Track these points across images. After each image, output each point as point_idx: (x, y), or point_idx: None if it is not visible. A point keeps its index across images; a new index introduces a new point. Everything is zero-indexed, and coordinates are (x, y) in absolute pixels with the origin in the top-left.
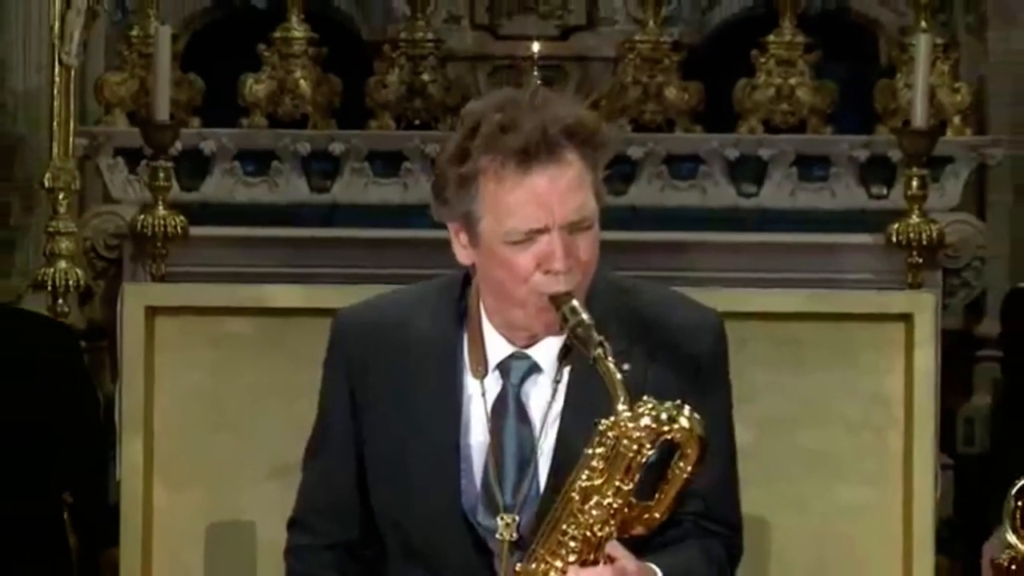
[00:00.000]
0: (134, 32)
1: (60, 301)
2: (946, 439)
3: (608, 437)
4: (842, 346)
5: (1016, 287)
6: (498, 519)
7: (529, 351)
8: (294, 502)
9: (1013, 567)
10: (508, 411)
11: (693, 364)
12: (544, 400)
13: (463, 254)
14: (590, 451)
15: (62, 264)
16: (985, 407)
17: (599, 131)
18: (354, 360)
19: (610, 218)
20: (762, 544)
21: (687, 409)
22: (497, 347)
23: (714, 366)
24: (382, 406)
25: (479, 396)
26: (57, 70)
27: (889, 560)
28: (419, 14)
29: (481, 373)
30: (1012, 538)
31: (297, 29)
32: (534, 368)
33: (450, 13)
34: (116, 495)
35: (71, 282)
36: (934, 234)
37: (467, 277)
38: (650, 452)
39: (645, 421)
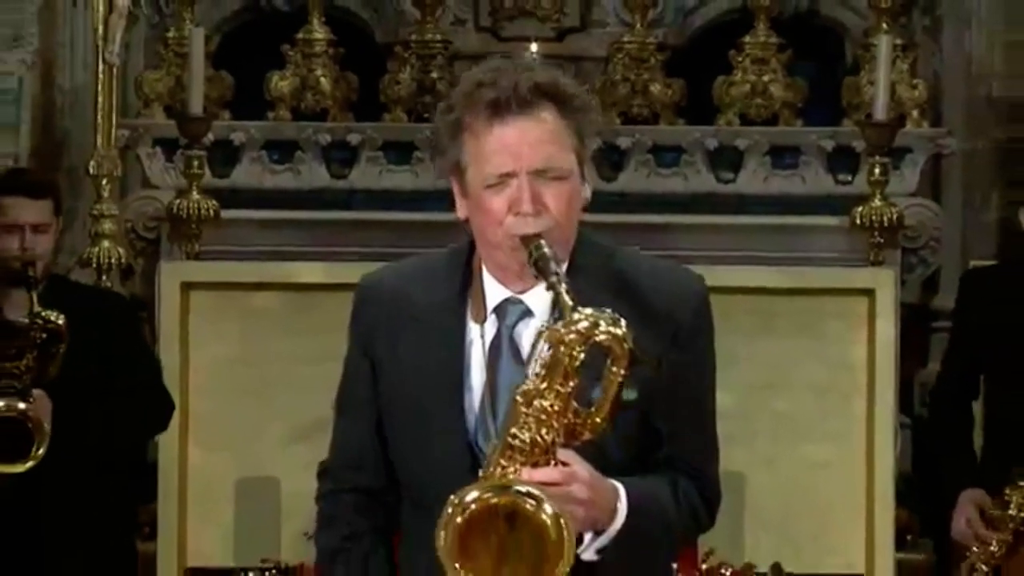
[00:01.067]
0: (170, 34)
1: (104, 277)
2: (904, 402)
3: (546, 343)
4: (810, 318)
5: (971, 268)
6: (490, 448)
7: (523, 297)
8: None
9: None
10: (503, 350)
11: (676, 323)
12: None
13: (460, 207)
14: (533, 359)
15: (106, 244)
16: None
17: (576, 95)
18: (373, 321)
19: (600, 202)
20: (737, 497)
21: (619, 319)
22: (495, 293)
23: (698, 326)
24: (397, 360)
25: (479, 339)
26: (101, 68)
27: (853, 511)
28: (428, 18)
29: (481, 318)
30: None
31: (318, 31)
32: (527, 312)
33: (456, 17)
34: (154, 454)
35: (114, 260)
36: (894, 217)
37: (473, 241)
38: (581, 355)
39: (578, 327)
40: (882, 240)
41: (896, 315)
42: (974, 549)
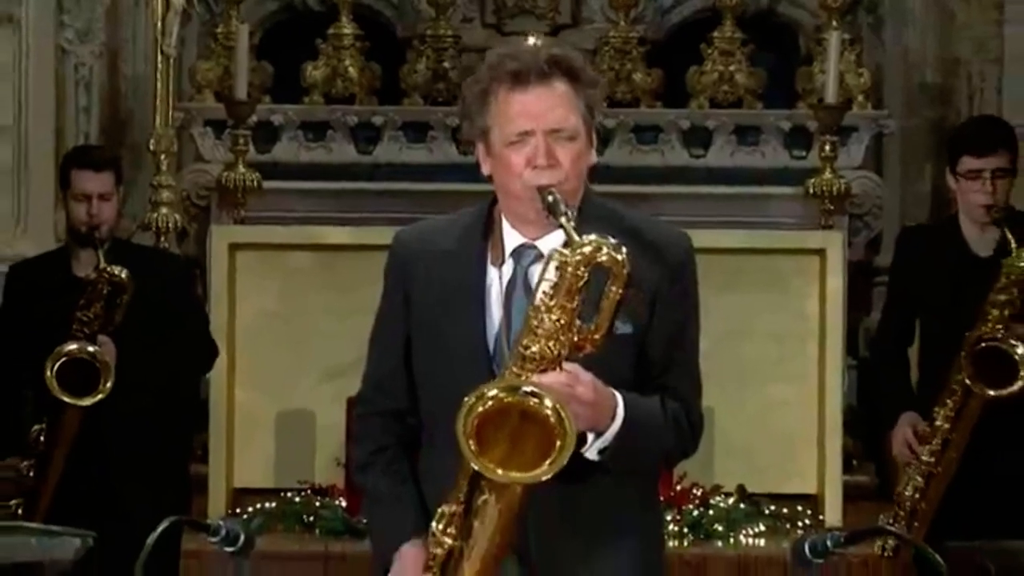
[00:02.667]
0: (219, 29)
1: (162, 239)
2: (851, 346)
3: (555, 266)
4: (770, 274)
5: (904, 227)
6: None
7: (537, 242)
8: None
9: None
10: (518, 288)
11: (669, 265)
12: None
13: (484, 165)
14: (543, 280)
15: (163, 210)
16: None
17: (585, 70)
18: (406, 263)
19: (589, 174)
20: (707, 429)
21: (620, 246)
22: (512, 239)
23: (686, 270)
24: (425, 299)
25: (497, 280)
26: (159, 59)
27: (806, 440)
28: (441, 16)
29: (499, 261)
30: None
31: (346, 27)
32: (539, 256)
33: (465, 15)
34: (206, 392)
35: (171, 224)
36: (842, 187)
37: (494, 198)
38: (586, 276)
39: (583, 251)
40: (832, 207)
41: (844, 272)
42: (911, 463)
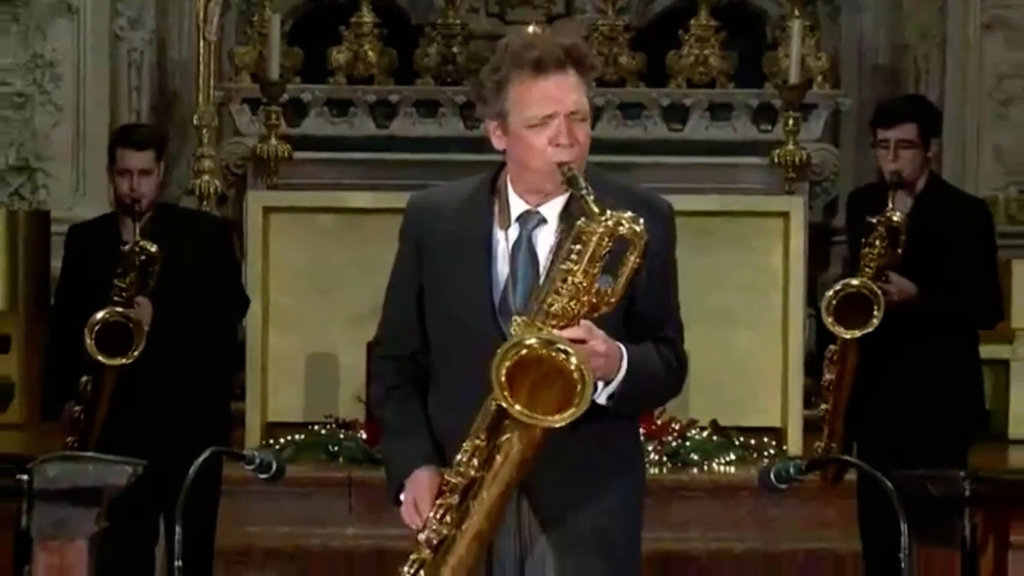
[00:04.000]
0: (255, 18)
1: (204, 203)
2: (811, 297)
3: (583, 234)
4: (740, 234)
5: (854, 189)
6: (512, 320)
7: (539, 208)
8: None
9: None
10: (522, 248)
11: (655, 231)
12: (547, 242)
13: (497, 142)
14: (570, 246)
15: (206, 177)
16: (837, 275)
17: (589, 57)
18: (420, 221)
19: None
20: None
21: (638, 219)
22: (517, 206)
23: (670, 229)
24: (436, 256)
25: (504, 240)
26: (202, 44)
27: (772, 379)
28: (450, 6)
29: (505, 224)
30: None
31: (366, 16)
32: (542, 220)
33: (471, 6)
34: (243, 337)
35: (212, 190)
36: (803, 157)
37: (499, 168)
38: (609, 244)
39: (607, 223)
40: (794, 175)
41: (805, 232)
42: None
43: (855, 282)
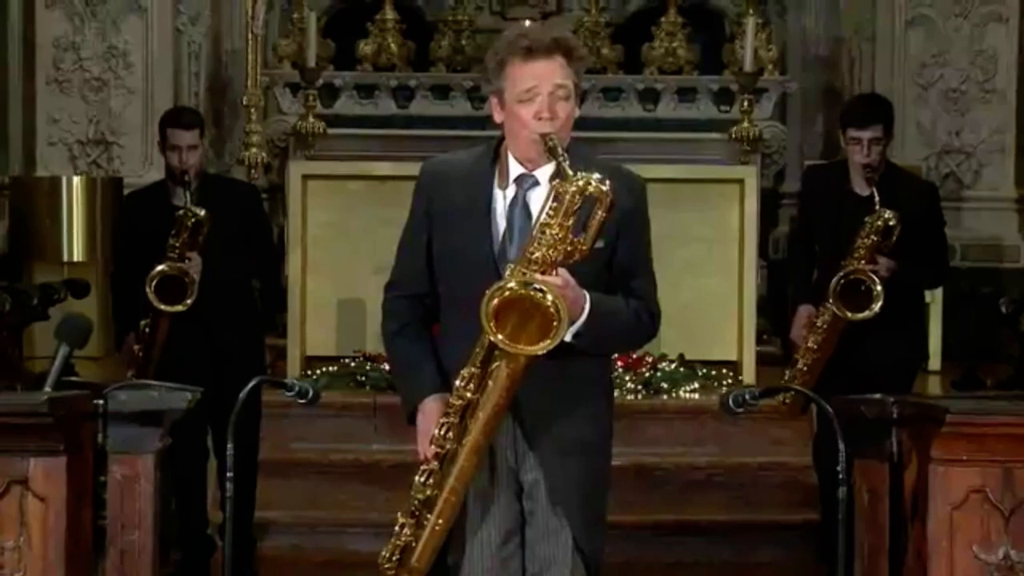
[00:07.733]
0: (295, 15)
1: (253, 172)
2: (762, 250)
3: (558, 193)
4: (703, 198)
5: (810, 165)
6: (508, 266)
7: (534, 172)
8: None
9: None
10: (518, 206)
11: (630, 198)
12: (540, 200)
13: (497, 115)
14: (546, 204)
15: (253, 150)
16: (785, 232)
17: (578, 48)
18: (430, 181)
19: None
20: None
21: (604, 179)
22: (515, 170)
23: (641, 200)
24: (443, 211)
25: (502, 199)
26: (250, 37)
27: (730, 320)
28: (460, 5)
29: (504, 185)
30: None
31: (389, 14)
32: (536, 182)
33: (477, 4)
34: (285, 283)
35: (259, 160)
36: (756, 133)
37: (500, 139)
38: (579, 201)
39: (578, 183)
40: (749, 148)
41: (757, 196)
42: (800, 348)
43: (861, 268)
